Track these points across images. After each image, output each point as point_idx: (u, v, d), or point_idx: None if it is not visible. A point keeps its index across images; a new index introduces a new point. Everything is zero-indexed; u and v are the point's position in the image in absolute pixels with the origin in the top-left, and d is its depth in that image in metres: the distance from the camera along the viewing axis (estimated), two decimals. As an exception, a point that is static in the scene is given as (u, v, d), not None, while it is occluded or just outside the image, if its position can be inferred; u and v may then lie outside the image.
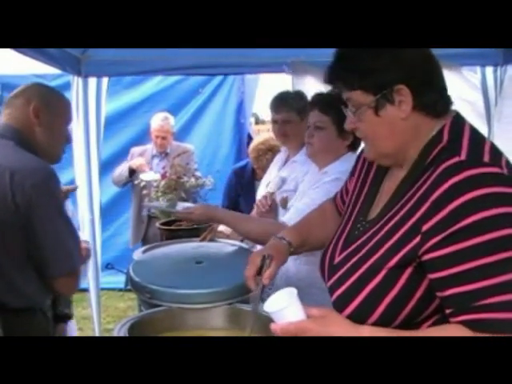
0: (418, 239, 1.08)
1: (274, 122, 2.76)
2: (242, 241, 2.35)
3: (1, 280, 1.74)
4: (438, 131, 1.18)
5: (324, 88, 2.26)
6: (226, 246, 2.22)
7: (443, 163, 1.09)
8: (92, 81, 3.48)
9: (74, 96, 3.43)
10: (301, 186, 2.32)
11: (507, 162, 1.11)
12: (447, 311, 1.07)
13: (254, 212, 2.77)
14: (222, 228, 2.94)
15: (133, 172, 4.19)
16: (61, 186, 1.88)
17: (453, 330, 1.06)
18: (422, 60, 1.19)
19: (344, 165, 2.08)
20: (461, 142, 1.13)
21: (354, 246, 1.25)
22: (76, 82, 3.40)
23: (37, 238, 1.73)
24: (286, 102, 2.73)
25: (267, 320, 1.50)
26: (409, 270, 1.11)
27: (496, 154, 1.12)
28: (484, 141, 1.16)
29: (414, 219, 1.10)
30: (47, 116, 1.88)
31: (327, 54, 1.30)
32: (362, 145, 1.39)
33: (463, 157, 1.09)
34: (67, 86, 3.62)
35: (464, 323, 1.04)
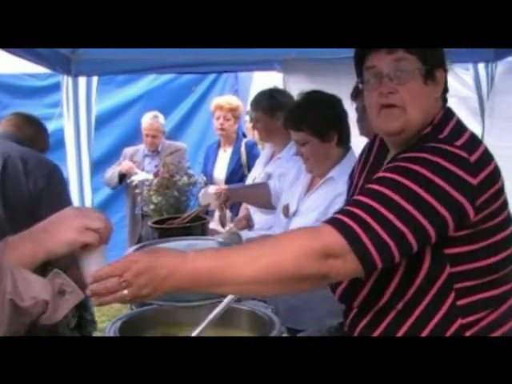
0: None
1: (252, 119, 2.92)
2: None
3: None
4: (431, 119, 1.28)
5: (315, 85, 2.27)
6: (217, 244, 2.21)
7: (423, 142, 1.21)
8: (82, 80, 3.48)
9: (65, 95, 3.42)
10: (310, 199, 2.21)
11: (482, 153, 1.19)
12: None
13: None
14: (214, 226, 2.95)
15: (123, 176, 4.18)
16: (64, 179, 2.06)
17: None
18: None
19: (348, 169, 2.05)
20: (443, 129, 1.24)
21: None
22: (66, 81, 3.40)
23: None
24: (255, 102, 2.88)
25: (258, 319, 1.51)
26: None
27: (472, 143, 1.21)
28: (465, 131, 1.25)
29: None
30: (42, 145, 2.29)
31: (318, 52, 1.32)
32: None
33: (441, 136, 1.21)
34: (59, 84, 3.61)
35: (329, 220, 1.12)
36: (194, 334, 1.29)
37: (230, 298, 1.32)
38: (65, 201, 1.90)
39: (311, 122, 2.05)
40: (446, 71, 1.30)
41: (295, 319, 2.10)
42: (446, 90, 1.33)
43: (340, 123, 2.10)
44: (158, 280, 1.04)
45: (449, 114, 1.30)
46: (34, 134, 2.23)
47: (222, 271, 1.04)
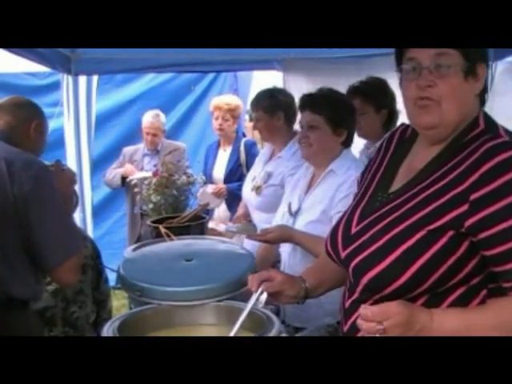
0: (465, 207, 1.14)
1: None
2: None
3: None
4: (474, 119, 1.25)
5: (315, 85, 2.29)
6: (216, 243, 2.22)
7: (489, 142, 1.17)
8: (82, 79, 3.48)
9: (65, 94, 3.42)
10: (314, 194, 2.19)
11: None
12: (507, 284, 1.13)
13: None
14: (213, 225, 2.95)
15: (124, 179, 4.20)
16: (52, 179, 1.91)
17: None
18: None
19: (346, 162, 2.12)
20: (497, 128, 1.24)
21: (377, 214, 1.27)
22: (66, 80, 3.40)
23: (32, 228, 1.74)
24: (256, 101, 2.89)
25: (257, 318, 1.52)
26: (448, 234, 1.15)
27: None
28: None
29: (460, 188, 1.16)
30: (40, 134, 2.08)
31: (318, 51, 1.31)
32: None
33: (506, 138, 1.18)
34: (59, 83, 3.61)
35: None
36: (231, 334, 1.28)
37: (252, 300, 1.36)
38: (53, 203, 1.81)
39: (331, 109, 2.08)
40: (487, 67, 1.25)
41: (303, 316, 2.06)
42: (485, 89, 1.28)
43: (351, 124, 2.18)
44: (411, 333, 1.11)
45: (487, 115, 1.28)
46: (14, 120, 2.04)
47: (465, 334, 1.12)
